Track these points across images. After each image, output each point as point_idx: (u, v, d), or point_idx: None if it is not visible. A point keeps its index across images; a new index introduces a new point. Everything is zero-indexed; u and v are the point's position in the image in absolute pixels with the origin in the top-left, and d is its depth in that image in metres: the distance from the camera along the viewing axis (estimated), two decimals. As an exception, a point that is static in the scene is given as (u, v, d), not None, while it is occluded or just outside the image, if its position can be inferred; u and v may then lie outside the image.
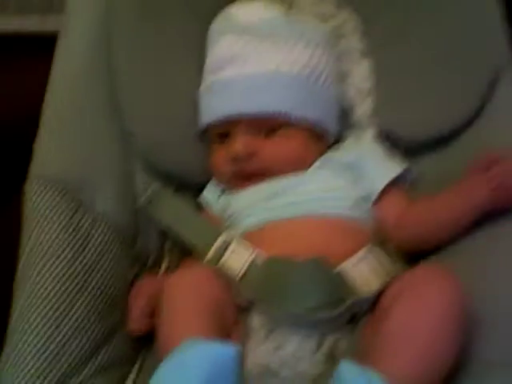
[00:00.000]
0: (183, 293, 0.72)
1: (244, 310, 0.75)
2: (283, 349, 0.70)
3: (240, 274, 0.77)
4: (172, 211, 0.88)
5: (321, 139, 0.90)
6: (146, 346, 0.81)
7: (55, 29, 0.92)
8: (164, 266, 0.91)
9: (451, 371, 0.66)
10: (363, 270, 0.76)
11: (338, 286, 0.73)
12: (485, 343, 0.68)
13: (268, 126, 0.85)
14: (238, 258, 0.78)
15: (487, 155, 0.76)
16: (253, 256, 0.78)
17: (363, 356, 0.67)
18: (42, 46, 0.93)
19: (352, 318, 0.73)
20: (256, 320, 0.73)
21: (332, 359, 0.70)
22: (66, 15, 0.92)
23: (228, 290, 0.75)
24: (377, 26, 0.98)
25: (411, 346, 0.64)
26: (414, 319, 0.66)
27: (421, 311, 0.66)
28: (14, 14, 1.60)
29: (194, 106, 0.91)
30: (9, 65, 1.49)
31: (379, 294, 0.75)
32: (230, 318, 0.73)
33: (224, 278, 0.77)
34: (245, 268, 0.77)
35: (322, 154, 0.89)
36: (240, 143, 0.84)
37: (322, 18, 1.00)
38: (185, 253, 0.88)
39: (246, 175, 0.86)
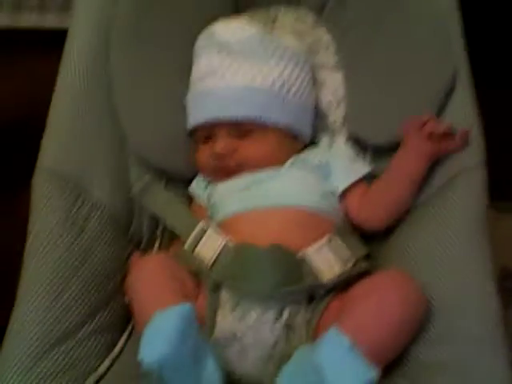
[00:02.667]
0: (147, 274, 0.86)
1: (215, 287, 0.86)
2: (246, 319, 0.82)
3: (213, 259, 0.88)
4: (160, 202, 1.00)
5: (294, 141, 1.02)
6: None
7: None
8: (156, 246, 1.02)
9: None
10: (323, 257, 0.86)
11: (296, 269, 0.84)
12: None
13: (245, 128, 0.97)
14: (212, 244, 0.90)
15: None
16: (223, 243, 0.89)
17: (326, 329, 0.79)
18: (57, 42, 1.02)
19: (311, 298, 0.84)
20: (224, 296, 0.85)
21: (289, 329, 0.82)
22: (71, 21, 1.02)
23: (184, 269, 0.88)
24: (347, 43, 1.11)
25: (368, 335, 0.75)
26: (372, 313, 0.77)
27: (379, 307, 0.77)
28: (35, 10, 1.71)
29: (180, 111, 1.03)
30: (24, 58, 1.60)
31: (346, 284, 0.86)
32: (190, 290, 0.86)
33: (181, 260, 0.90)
34: (216, 253, 0.88)
35: (295, 153, 1.01)
36: (221, 143, 0.96)
37: (300, 34, 1.12)
38: (174, 236, 0.99)
39: (225, 170, 0.98)
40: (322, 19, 1.17)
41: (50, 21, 1.73)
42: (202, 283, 0.89)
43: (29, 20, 1.73)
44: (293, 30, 1.13)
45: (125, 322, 0.92)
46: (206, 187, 1.03)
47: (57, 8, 1.72)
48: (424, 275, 0.85)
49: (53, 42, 1.02)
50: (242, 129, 0.97)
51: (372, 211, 0.95)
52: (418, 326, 0.80)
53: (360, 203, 0.96)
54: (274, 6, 1.18)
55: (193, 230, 0.93)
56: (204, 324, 0.83)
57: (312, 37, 1.14)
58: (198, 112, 0.99)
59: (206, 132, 0.99)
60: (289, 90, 0.99)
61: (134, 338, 0.90)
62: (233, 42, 1.00)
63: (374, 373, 0.69)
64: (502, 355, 0.77)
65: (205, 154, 0.99)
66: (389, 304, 0.77)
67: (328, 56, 1.13)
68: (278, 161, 0.98)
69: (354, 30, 1.10)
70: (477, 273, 0.83)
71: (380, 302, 0.78)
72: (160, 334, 0.71)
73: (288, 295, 0.82)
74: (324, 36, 1.15)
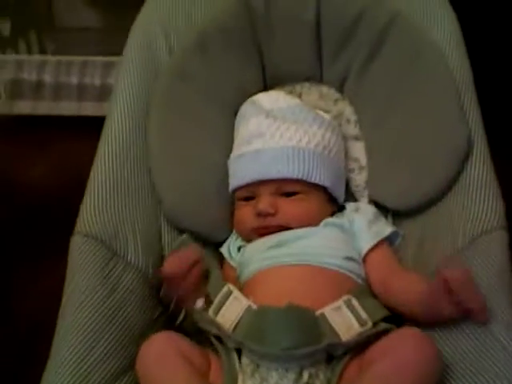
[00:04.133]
0: (156, 355, 0.84)
1: (236, 350, 0.86)
2: (267, 381, 0.81)
3: (235, 322, 0.89)
4: None
5: (331, 204, 1.07)
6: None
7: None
8: (181, 317, 1.01)
9: None
10: (341, 316, 0.87)
11: (314, 328, 0.85)
12: None
13: (289, 189, 1.02)
14: (235, 307, 0.90)
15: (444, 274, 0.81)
16: (246, 305, 0.90)
17: None
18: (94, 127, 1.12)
19: (330, 357, 0.84)
20: (244, 360, 0.84)
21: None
22: (111, 101, 1.12)
23: (194, 344, 0.88)
24: (366, 116, 1.18)
25: None
26: (390, 372, 0.77)
27: (399, 369, 0.77)
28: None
29: (211, 174, 1.09)
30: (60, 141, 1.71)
31: (364, 344, 0.85)
32: (199, 367, 0.85)
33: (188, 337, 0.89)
34: (239, 316, 0.89)
35: (331, 215, 1.05)
36: (265, 202, 1.00)
37: (324, 110, 1.19)
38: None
39: (267, 229, 1.01)
40: (343, 93, 1.24)
41: (87, 110, 1.85)
42: (213, 354, 0.89)
43: (68, 108, 1.85)
44: (317, 105, 1.20)
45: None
46: (239, 249, 1.06)
47: (95, 97, 1.85)
48: (445, 330, 0.86)
49: (90, 127, 1.11)
50: (286, 189, 1.01)
51: (387, 299, 0.95)
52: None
53: (383, 284, 0.95)
54: (299, 83, 1.26)
55: (219, 291, 0.95)
56: None
57: (335, 111, 1.22)
58: (244, 172, 1.04)
59: (249, 192, 1.04)
60: (329, 153, 1.06)
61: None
62: (276, 109, 1.07)
63: None
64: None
65: (246, 213, 1.03)
66: (406, 363, 0.77)
67: (349, 127, 1.20)
68: (316, 221, 1.01)
69: (372, 102, 1.17)
70: (499, 329, 0.83)
71: (396, 357, 0.78)
72: None
73: (307, 355, 0.81)
74: (346, 109, 1.22)
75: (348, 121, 1.20)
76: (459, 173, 1.02)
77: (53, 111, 1.81)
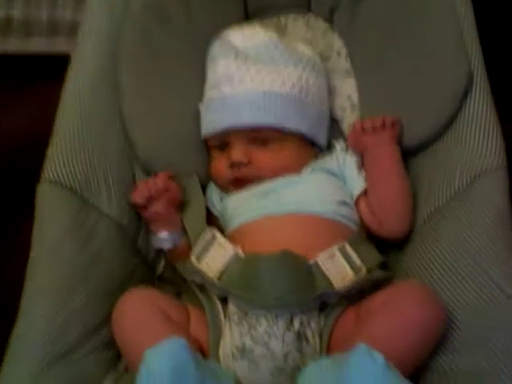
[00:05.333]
0: (132, 311, 0.81)
1: (222, 300, 0.82)
2: (256, 329, 0.77)
3: (220, 270, 0.84)
4: (188, 201, 0.96)
5: (312, 148, 0.99)
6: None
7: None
8: (161, 266, 0.98)
9: None
10: (335, 264, 0.83)
11: (307, 275, 0.80)
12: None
13: (263, 136, 0.94)
14: (221, 255, 0.85)
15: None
16: (233, 253, 0.85)
17: (340, 342, 0.76)
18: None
19: (323, 306, 0.80)
20: (231, 307, 0.80)
21: (301, 339, 0.77)
22: (79, 36, 1.02)
23: (171, 299, 0.85)
24: (359, 49, 1.08)
25: (389, 351, 0.69)
26: (394, 330, 0.73)
27: (402, 324, 0.73)
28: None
29: (191, 118, 1.00)
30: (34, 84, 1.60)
31: (361, 292, 0.81)
32: (183, 319, 0.82)
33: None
34: (224, 264, 0.84)
35: (312, 160, 0.98)
36: (238, 152, 0.93)
37: (311, 41, 1.10)
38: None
39: (242, 180, 0.94)
40: (332, 24, 1.14)
41: (59, 45, 1.72)
42: (192, 307, 0.85)
43: (39, 45, 1.73)
44: (303, 37, 1.11)
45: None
46: (221, 198, 1.00)
47: (66, 32, 1.73)
48: (445, 280, 0.82)
49: (63, 67, 1.01)
50: (259, 137, 0.94)
51: (385, 220, 0.92)
52: (439, 339, 0.76)
53: (373, 213, 0.93)
54: (284, 13, 1.16)
55: (202, 236, 0.90)
56: (201, 351, 0.79)
57: (323, 43, 1.12)
58: (215, 120, 0.97)
59: (222, 140, 0.96)
60: (307, 95, 0.97)
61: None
62: (248, 47, 0.98)
63: None
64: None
65: (220, 164, 0.96)
66: (411, 322, 0.73)
67: (340, 61, 1.10)
68: (295, 168, 0.95)
69: (366, 35, 1.08)
70: (500, 276, 0.79)
71: (401, 315, 0.74)
72: (154, 377, 0.65)
73: (299, 303, 0.77)
74: (335, 41, 1.12)
75: (339, 54, 1.10)
76: (458, 111, 0.95)
77: (22, 48, 1.70)
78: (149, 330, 0.77)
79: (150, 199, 0.91)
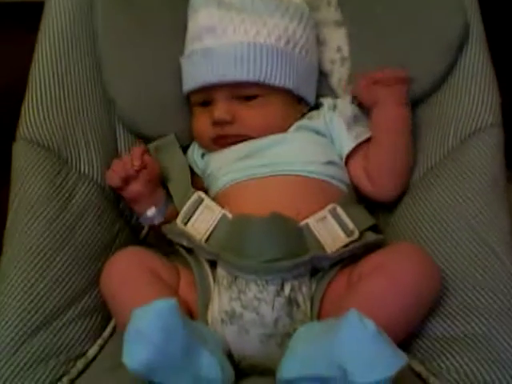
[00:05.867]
0: (121, 271, 0.79)
1: (211, 263, 0.80)
2: (245, 294, 0.75)
3: (208, 232, 0.81)
4: (168, 163, 0.93)
5: (298, 105, 0.94)
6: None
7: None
8: (145, 229, 0.95)
9: None
10: (326, 227, 0.80)
11: (297, 239, 0.78)
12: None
13: (247, 92, 0.89)
14: (207, 217, 0.82)
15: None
16: (220, 215, 0.82)
17: (332, 307, 0.74)
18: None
19: (315, 271, 0.78)
20: (220, 270, 0.78)
21: (292, 304, 0.75)
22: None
23: (161, 258, 0.82)
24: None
25: (382, 315, 0.68)
26: (388, 294, 0.71)
27: (396, 287, 0.71)
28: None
29: (172, 74, 0.95)
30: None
31: (353, 256, 0.79)
32: (173, 279, 0.80)
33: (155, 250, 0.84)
34: (212, 226, 0.81)
35: (299, 118, 0.94)
36: (221, 109, 0.88)
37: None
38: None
39: (225, 138, 0.90)
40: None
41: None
42: (183, 267, 0.82)
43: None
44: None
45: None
46: (203, 156, 0.96)
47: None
48: (437, 243, 0.80)
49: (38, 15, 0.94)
50: (243, 93, 0.89)
51: (381, 181, 0.89)
52: (433, 303, 0.75)
53: (367, 173, 0.90)
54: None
55: (187, 198, 0.87)
56: (190, 312, 0.78)
57: (312, -9, 1.05)
58: (196, 74, 0.91)
59: (204, 96, 0.91)
60: (294, 48, 0.92)
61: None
62: None
63: (404, 359, 0.60)
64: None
65: (203, 121, 0.92)
66: (404, 281, 0.71)
67: (329, 12, 1.03)
68: (281, 127, 0.91)
69: None
70: (495, 240, 0.77)
71: (394, 278, 0.72)
72: (142, 336, 0.62)
73: (289, 268, 0.75)
74: (324, -10, 1.06)
75: (329, 3, 1.03)
76: (453, 64, 0.92)
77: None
78: (137, 289, 0.76)
79: (128, 179, 0.87)
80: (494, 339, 0.70)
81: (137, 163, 0.86)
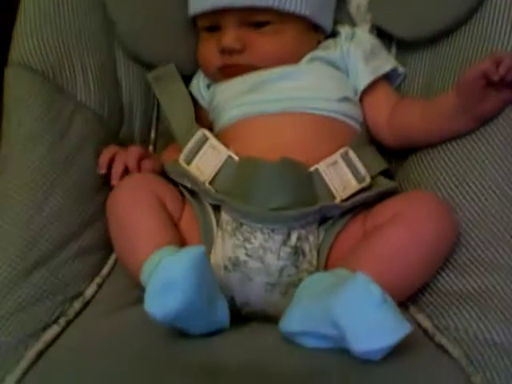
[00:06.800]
0: (129, 200, 0.75)
1: (214, 207, 0.76)
2: (250, 242, 0.72)
3: (212, 174, 0.76)
4: (169, 94, 0.87)
5: (314, 33, 0.87)
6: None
7: None
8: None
9: None
10: (338, 173, 0.75)
11: (307, 187, 0.74)
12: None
13: (259, 18, 0.82)
14: (212, 157, 0.78)
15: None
16: (226, 156, 0.77)
17: (341, 256, 0.71)
18: None
19: (324, 218, 0.74)
20: (224, 215, 0.74)
21: (298, 253, 0.72)
22: None
23: (169, 187, 0.79)
24: None
25: (400, 267, 0.67)
26: (406, 246, 0.68)
27: (416, 238, 0.68)
28: None
29: None
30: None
31: (364, 204, 0.75)
32: (176, 211, 0.77)
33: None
34: (217, 168, 0.76)
35: (314, 47, 0.87)
36: (230, 36, 0.81)
37: None
38: (170, 141, 0.89)
39: (234, 68, 0.84)
40: None
41: None
42: (188, 201, 0.79)
43: None
44: None
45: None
46: (209, 86, 0.90)
47: None
48: (454, 196, 0.75)
49: None
50: (255, 18, 0.82)
51: (402, 140, 0.84)
52: (447, 255, 0.72)
53: (391, 118, 0.84)
54: None
55: (191, 135, 0.81)
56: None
57: None
58: None
59: (212, 21, 0.84)
60: None
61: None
62: None
63: (408, 327, 0.58)
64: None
65: (209, 48, 0.85)
66: (424, 231, 0.68)
67: None
68: (294, 57, 0.84)
69: None
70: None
71: (414, 230, 0.69)
72: (173, 285, 0.60)
73: (297, 217, 0.71)
74: None
75: None
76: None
77: None
78: (142, 216, 0.73)
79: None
80: (506, 297, 0.67)
81: (132, 165, 0.80)
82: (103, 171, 0.81)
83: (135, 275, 0.70)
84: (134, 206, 0.74)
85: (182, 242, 0.74)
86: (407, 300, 0.72)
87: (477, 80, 0.71)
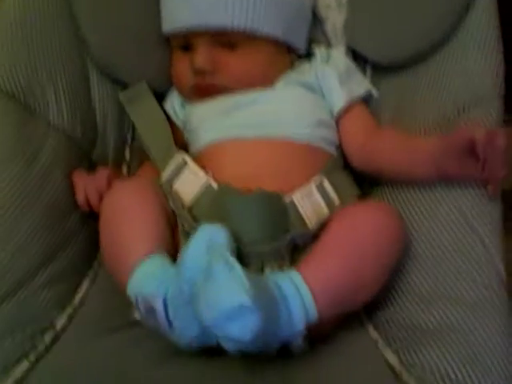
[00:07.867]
0: (125, 206, 0.74)
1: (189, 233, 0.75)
2: None
3: (193, 200, 0.76)
4: (144, 115, 0.87)
5: (287, 54, 0.87)
6: (97, 257, 0.83)
7: None
8: (124, 173, 0.91)
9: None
10: (312, 202, 0.76)
11: (281, 219, 0.74)
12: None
13: (231, 39, 0.81)
14: (192, 182, 0.77)
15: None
16: (205, 182, 0.77)
17: None
18: None
19: (295, 247, 0.74)
20: None
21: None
22: None
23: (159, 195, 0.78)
24: None
25: (337, 255, 0.68)
26: (346, 233, 0.70)
27: (354, 228, 0.70)
28: None
29: (151, 11, 0.87)
30: None
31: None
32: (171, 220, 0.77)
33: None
34: (197, 194, 0.76)
35: (287, 69, 0.87)
36: (202, 56, 0.81)
37: None
38: (144, 159, 0.88)
39: (206, 89, 0.83)
40: None
41: None
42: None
43: None
44: None
45: (86, 266, 0.82)
46: (183, 105, 0.89)
47: None
48: (421, 221, 0.77)
49: None
50: (227, 39, 0.81)
51: (369, 163, 0.83)
52: (396, 261, 0.72)
53: (366, 144, 0.83)
54: None
55: (169, 158, 0.81)
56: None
57: None
58: (174, 16, 0.83)
59: (185, 40, 0.83)
60: None
61: (98, 284, 0.81)
62: None
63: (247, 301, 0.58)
64: (499, 320, 0.69)
65: (182, 67, 0.84)
66: (358, 225, 0.70)
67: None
68: (267, 79, 0.84)
69: None
70: (485, 230, 0.73)
71: (349, 225, 0.71)
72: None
73: (272, 252, 0.71)
74: None
75: None
76: (457, 24, 0.83)
77: None
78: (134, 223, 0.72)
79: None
80: (468, 332, 0.68)
81: (104, 189, 0.80)
82: (86, 209, 0.81)
83: (122, 282, 0.69)
84: (134, 205, 0.74)
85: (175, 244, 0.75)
86: (368, 319, 0.75)
87: (465, 143, 0.70)
